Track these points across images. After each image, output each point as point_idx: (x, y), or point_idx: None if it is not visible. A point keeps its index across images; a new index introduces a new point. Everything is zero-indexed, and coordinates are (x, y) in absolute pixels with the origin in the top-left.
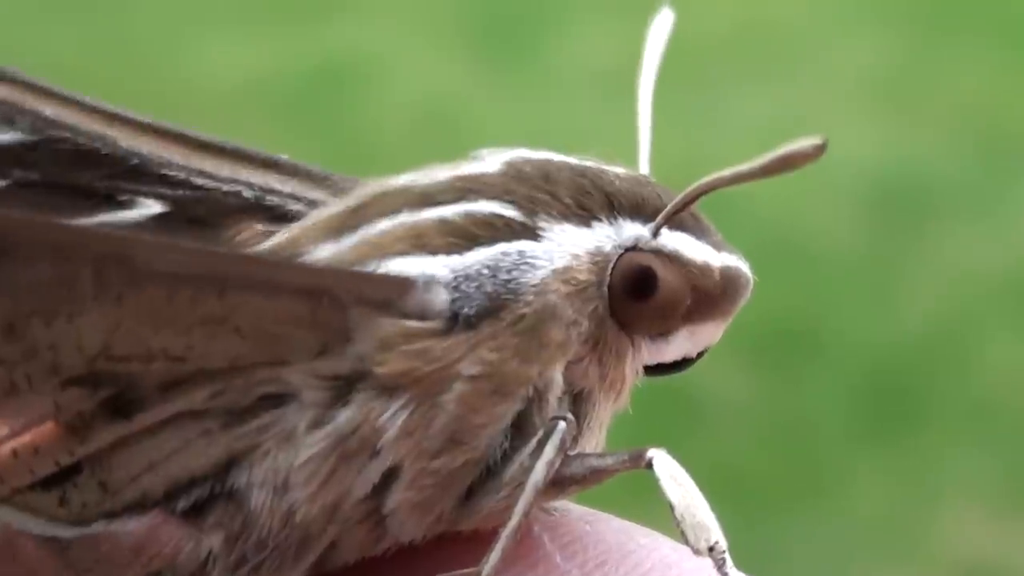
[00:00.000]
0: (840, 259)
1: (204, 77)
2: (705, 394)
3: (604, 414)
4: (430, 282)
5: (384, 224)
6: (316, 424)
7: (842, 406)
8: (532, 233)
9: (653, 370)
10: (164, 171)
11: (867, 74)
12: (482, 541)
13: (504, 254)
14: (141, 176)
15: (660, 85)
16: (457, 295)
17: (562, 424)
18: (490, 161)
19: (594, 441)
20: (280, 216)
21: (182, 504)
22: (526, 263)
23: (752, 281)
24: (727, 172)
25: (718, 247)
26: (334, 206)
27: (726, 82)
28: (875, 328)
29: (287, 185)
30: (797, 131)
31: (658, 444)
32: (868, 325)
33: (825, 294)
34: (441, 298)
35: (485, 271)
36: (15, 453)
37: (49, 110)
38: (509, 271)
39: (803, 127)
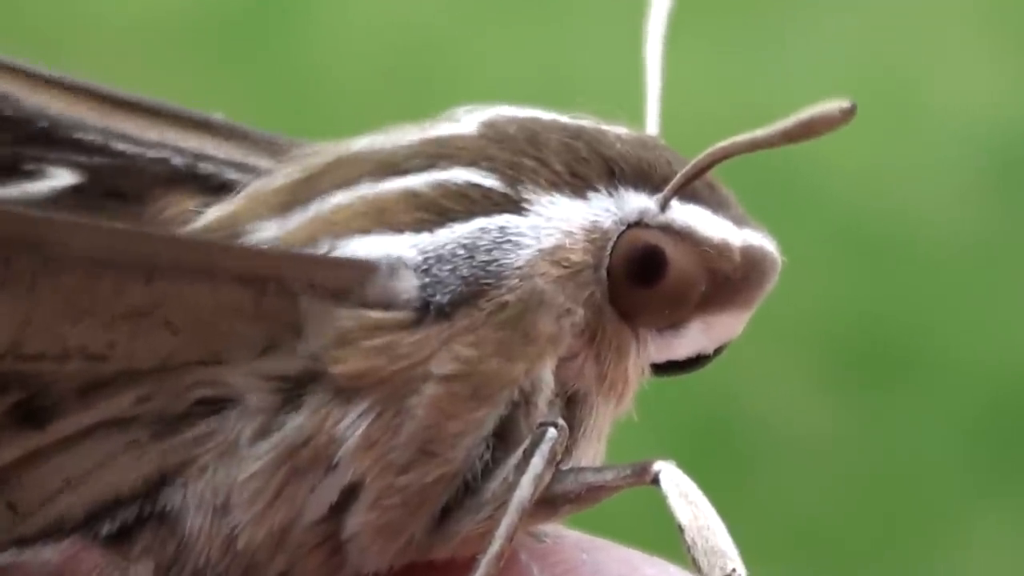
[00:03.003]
0: (948, 253)
1: (102, 8)
2: (767, 427)
3: (603, 421)
4: (395, 265)
5: (340, 197)
6: (262, 433)
7: (953, 444)
8: (515, 206)
9: (662, 369)
10: (77, 135)
11: None
12: (458, 572)
13: (483, 231)
14: (51, 141)
15: (701, 12)
16: (427, 280)
17: (552, 431)
18: (466, 121)
19: (591, 453)
20: (215, 187)
21: (106, 528)
22: (509, 242)
23: (780, 263)
24: (743, 137)
25: (739, 222)
26: (280, 176)
27: (789, 8)
28: (995, 343)
29: (223, 150)
30: (881, 76)
31: (707, 491)
32: (986, 339)
33: (928, 299)
34: (409, 284)
35: (460, 251)
36: None
37: None
38: (489, 251)
39: (891, 71)
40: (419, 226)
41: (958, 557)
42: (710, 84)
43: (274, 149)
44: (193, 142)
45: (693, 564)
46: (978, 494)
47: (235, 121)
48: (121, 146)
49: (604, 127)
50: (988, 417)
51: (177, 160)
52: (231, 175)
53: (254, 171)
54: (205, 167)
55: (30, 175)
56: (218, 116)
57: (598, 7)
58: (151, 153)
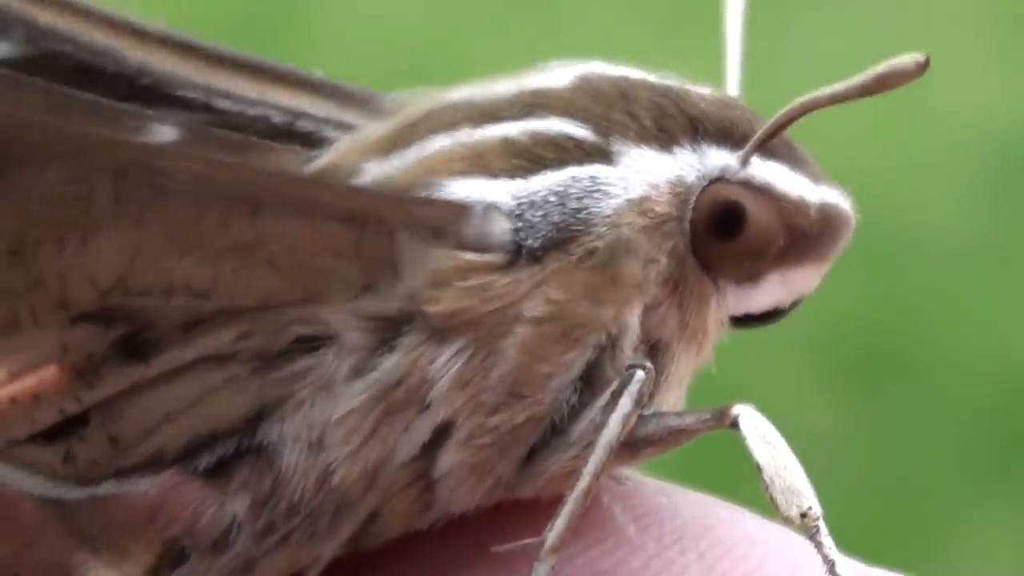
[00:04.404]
0: (949, 253)
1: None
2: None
3: (684, 369)
4: (490, 209)
5: (440, 142)
6: (357, 372)
7: (952, 444)
8: (606, 156)
9: (740, 321)
10: (180, 92)
11: None
12: (543, 511)
13: (574, 179)
14: (154, 97)
15: (701, 13)
16: (520, 224)
17: (640, 373)
18: (559, 75)
19: (672, 400)
20: (315, 143)
21: (204, 462)
22: (599, 191)
23: (854, 220)
24: (823, 92)
25: (816, 179)
26: (380, 125)
27: (789, 9)
28: (995, 344)
29: (321, 107)
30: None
31: (711, 490)
32: (986, 340)
33: (928, 299)
34: (502, 227)
35: (552, 198)
36: (13, 399)
37: (44, 17)
38: (579, 199)
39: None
40: (514, 172)
41: (957, 556)
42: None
43: (371, 106)
44: (293, 100)
45: (771, 503)
46: (977, 494)
47: (335, 80)
48: (222, 103)
49: (689, 87)
50: (987, 417)
51: (277, 118)
52: (329, 132)
53: (352, 128)
54: (304, 124)
55: (134, 130)
56: (318, 74)
57: (598, 8)
58: (252, 111)
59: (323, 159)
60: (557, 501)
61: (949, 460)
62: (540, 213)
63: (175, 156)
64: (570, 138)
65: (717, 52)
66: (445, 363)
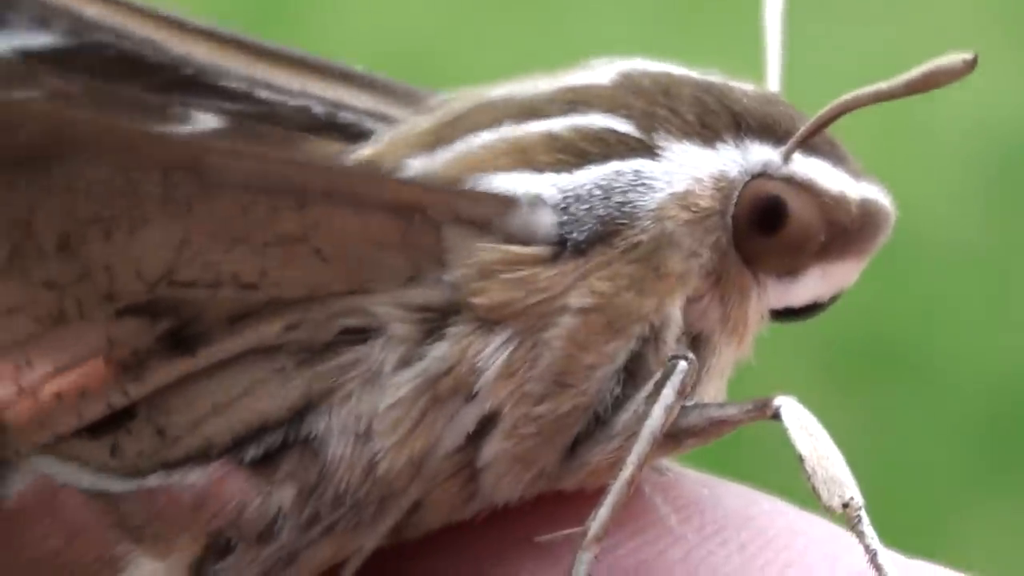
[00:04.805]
0: (951, 252)
1: None
2: (767, 425)
3: (725, 361)
4: (535, 202)
5: (484, 138)
6: (404, 362)
7: (952, 443)
8: (649, 151)
9: (780, 315)
10: (222, 82)
11: None
12: (585, 501)
13: (618, 173)
14: (196, 87)
15: (716, 18)
16: (565, 218)
17: (683, 364)
18: (601, 71)
19: (713, 391)
20: (354, 135)
21: (251, 453)
22: (643, 185)
23: (894, 217)
24: (868, 90)
25: (856, 175)
26: (423, 120)
27: (789, 9)
28: (995, 344)
29: (362, 100)
30: (882, 77)
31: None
32: (986, 340)
33: (931, 298)
34: (547, 220)
35: (597, 192)
36: (60, 394)
37: (90, 10)
38: (624, 192)
39: (892, 72)
40: (558, 166)
41: (957, 555)
42: None
43: (411, 100)
44: (334, 92)
45: (813, 493)
46: (977, 493)
47: (376, 73)
48: (264, 94)
49: (731, 83)
50: (987, 416)
51: (318, 108)
52: (370, 124)
53: (392, 121)
54: (345, 116)
55: (176, 118)
56: (359, 68)
57: (598, 8)
58: (293, 102)
59: (365, 151)
60: (599, 493)
61: (949, 459)
62: (585, 206)
63: (224, 153)
64: (613, 133)
65: (718, 49)
66: (492, 353)
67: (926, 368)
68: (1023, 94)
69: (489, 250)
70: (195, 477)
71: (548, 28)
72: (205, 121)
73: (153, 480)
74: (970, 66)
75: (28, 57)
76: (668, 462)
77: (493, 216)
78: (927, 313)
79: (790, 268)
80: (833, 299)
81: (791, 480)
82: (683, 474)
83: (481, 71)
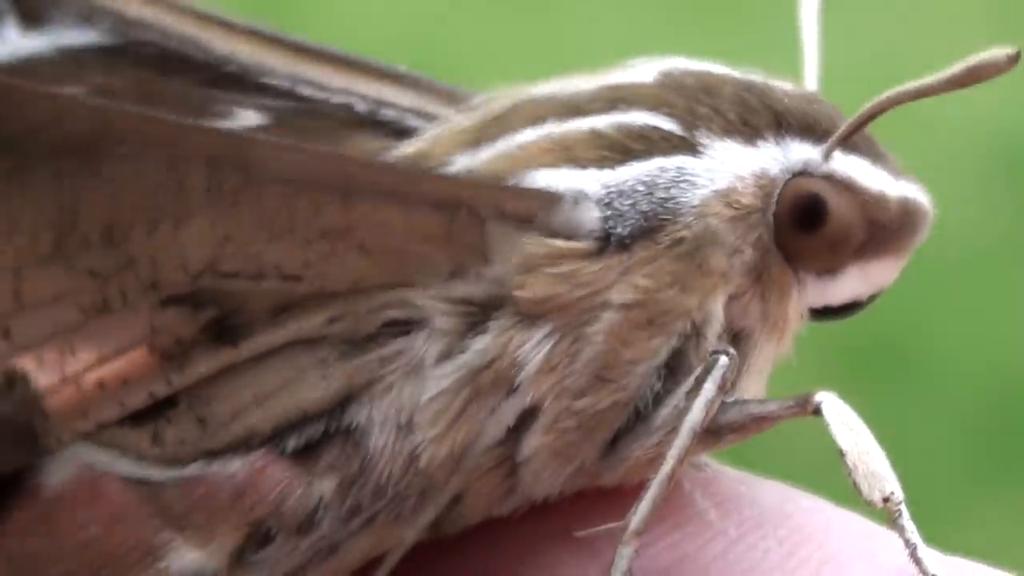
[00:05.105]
0: (949, 251)
1: None
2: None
3: (765, 358)
4: (579, 197)
5: (527, 135)
6: (446, 355)
7: (951, 441)
8: (692, 149)
9: (819, 314)
10: (265, 79)
11: None
12: (624, 496)
13: (661, 170)
14: (239, 84)
15: (701, 14)
16: (609, 213)
17: (724, 359)
18: (643, 70)
19: (753, 388)
20: (396, 132)
21: (292, 444)
22: (685, 181)
23: (932, 215)
24: (910, 86)
25: (895, 174)
26: (466, 118)
27: (789, 9)
28: (995, 342)
29: (404, 98)
30: (882, 76)
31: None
32: (986, 338)
33: (928, 297)
34: (591, 216)
35: (640, 188)
36: (102, 382)
37: (132, 9)
38: (667, 189)
39: (892, 72)
40: (602, 163)
41: (956, 554)
42: None
43: (453, 99)
44: (376, 90)
45: (853, 487)
46: (976, 491)
47: (418, 72)
48: (307, 91)
49: (771, 82)
50: (987, 416)
51: (360, 106)
52: (412, 122)
53: (434, 119)
54: (387, 113)
55: (219, 115)
56: (401, 67)
57: (600, 5)
58: (335, 99)
59: (409, 148)
60: (637, 488)
61: (948, 458)
62: (629, 202)
63: (269, 147)
64: (656, 130)
65: (719, 48)
66: (533, 347)
67: (926, 368)
68: (1022, 97)
69: (533, 244)
70: (236, 467)
71: (551, 17)
72: (247, 118)
73: (194, 469)
74: (1013, 60)
75: (72, 55)
76: (706, 458)
77: (537, 212)
78: (927, 313)
79: (830, 266)
80: (872, 298)
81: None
82: (721, 471)
83: (482, 61)
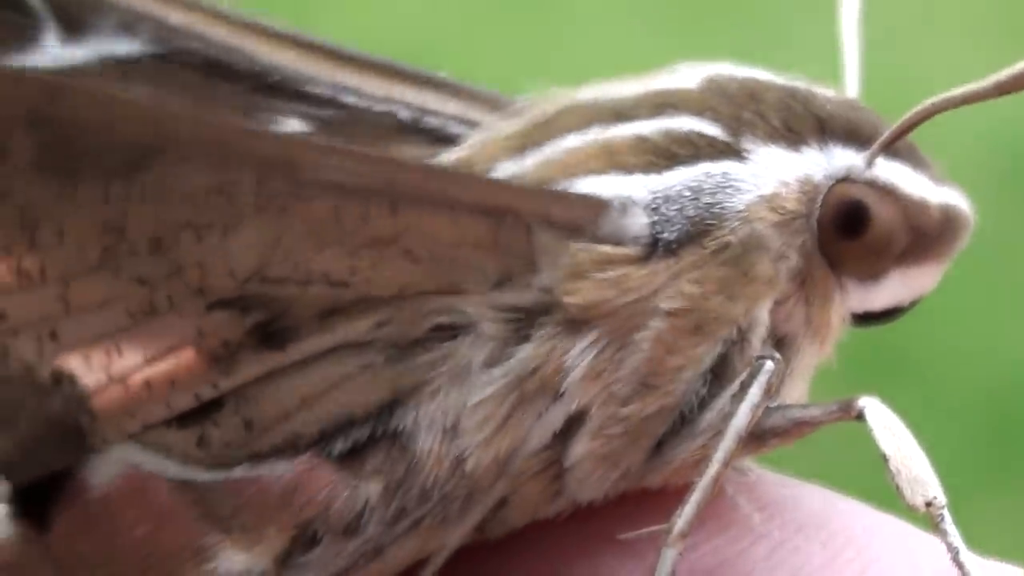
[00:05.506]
0: None
1: None
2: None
3: (807, 363)
4: (626, 203)
5: (573, 141)
6: (493, 360)
7: (952, 440)
8: (737, 154)
9: (860, 319)
10: (308, 88)
11: None
12: (666, 500)
13: (708, 175)
14: (282, 93)
15: (702, 13)
16: (656, 218)
17: (770, 364)
18: (687, 75)
19: (796, 394)
20: (440, 140)
21: (338, 447)
22: (731, 186)
23: (973, 222)
24: (957, 91)
25: (937, 180)
26: (510, 125)
27: (790, 9)
28: (995, 341)
29: (447, 105)
30: (883, 77)
31: None
32: (986, 337)
33: (931, 298)
34: (638, 221)
35: (687, 193)
36: (149, 383)
37: (175, 17)
38: (713, 194)
39: (893, 72)
40: (648, 168)
41: None
42: None
43: (495, 105)
44: (419, 97)
45: (897, 491)
46: (976, 491)
47: (460, 80)
48: (350, 99)
49: (814, 88)
50: (986, 415)
51: (403, 114)
52: (455, 129)
53: (477, 126)
54: (430, 121)
55: (263, 124)
56: (443, 74)
57: (598, 6)
58: (378, 107)
59: (453, 155)
60: (680, 491)
61: (949, 458)
62: (675, 207)
63: (319, 151)
64: (702, 136)
65: (719, 48)
66: (580, 353)
67: (926, 366)
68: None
69: (580, 251)
70: (282, 469)
71: (549, 20)
72: (290, 126)
73: (240, 471)
74: None
75: (114, 64)
76: (749, 462)
77: (585, 218)
78: (927, 313)
79: (872, 272)
80: (912, 304)
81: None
82: (763, 475)
83: (482, 63)
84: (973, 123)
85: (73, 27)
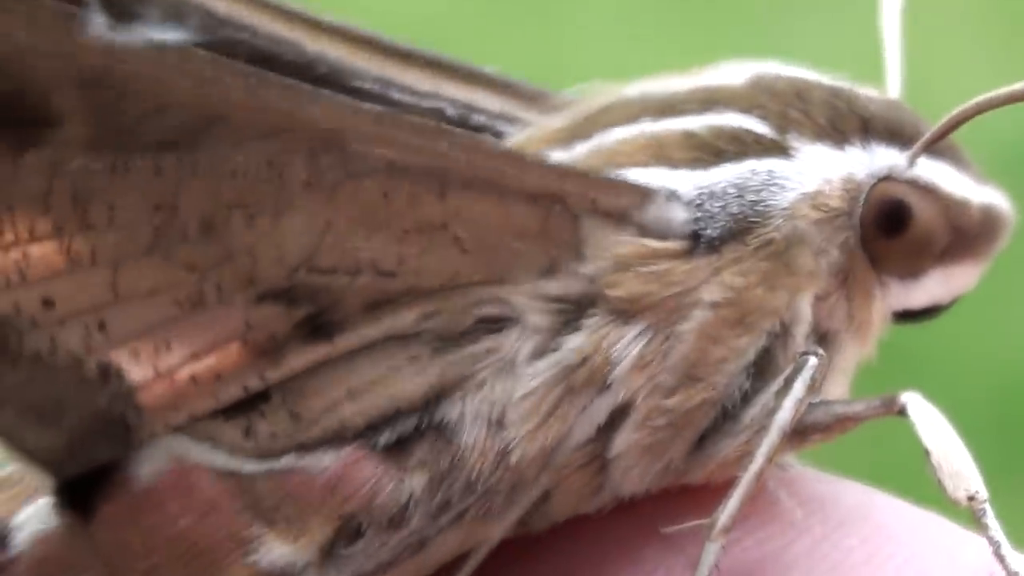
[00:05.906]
0: None
1: None
2: None
3: (849, 359)
4: (671, 198)
5: (621, 133)
6: (539, 352)
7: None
8: (783, 151)
9: (899, 317)
10: (356, 82)
11: None
12: (709, 495)
13: (753, 172)
14: (329, 86)
15: (702, 13)
16: (700, 214)
17: (813, 359)
18: (735, 72)
19: (838, 390)
20: (488, 137)
21: (384, 439)
22: (776, 184)
23: (1013, 221)
24: (1000, 92)
25: (978, 180)
26: (559, 118)
27: (790, 9)
28: (998, 340)
29: (494, 102)
30: (882, 77)
31: None
32: (989, 337)
33: None
34: (682, 216)
35: (732, 190)
36: (195, 377)
37: (222, 7)
38: (757, 192)
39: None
40: (694, 163)
41: None
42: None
43: (543, 102)
44: (466, 93)
45: (939, 486)
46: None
47: (507, 75)
48: (397, 95)
49: (858, 89)
50: (989, 416)
51: (451, 110)
52: (502, 126)
53: (524, 123)
54: (477, 118)
55: None
56: (491, 69)
57: (599, 5)
58: (426, 103)
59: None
60: (722, 486)
61: None
62: (720, 204)
63: (372, 116)
64: (749, 132)
65: (719, 48)
66: (626, 345)
67: (928, 364)
68: None
69: (626, 243)
70: (328, 461)
71: (551, 18)
72: None
73: (286, 463)
74: None
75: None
76: (790, 458)
77: (631, 207)
78: None
79: (913, 270)
80: (952, 302)
81: None
82: (804, 471)
83: (487, 52)
84: (974, 122)
85: (120, 15)
